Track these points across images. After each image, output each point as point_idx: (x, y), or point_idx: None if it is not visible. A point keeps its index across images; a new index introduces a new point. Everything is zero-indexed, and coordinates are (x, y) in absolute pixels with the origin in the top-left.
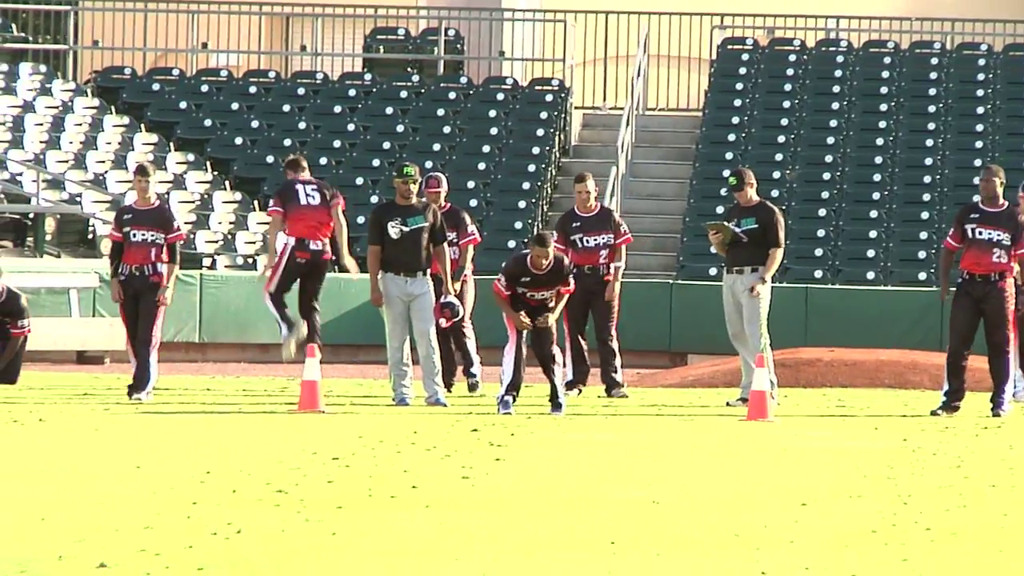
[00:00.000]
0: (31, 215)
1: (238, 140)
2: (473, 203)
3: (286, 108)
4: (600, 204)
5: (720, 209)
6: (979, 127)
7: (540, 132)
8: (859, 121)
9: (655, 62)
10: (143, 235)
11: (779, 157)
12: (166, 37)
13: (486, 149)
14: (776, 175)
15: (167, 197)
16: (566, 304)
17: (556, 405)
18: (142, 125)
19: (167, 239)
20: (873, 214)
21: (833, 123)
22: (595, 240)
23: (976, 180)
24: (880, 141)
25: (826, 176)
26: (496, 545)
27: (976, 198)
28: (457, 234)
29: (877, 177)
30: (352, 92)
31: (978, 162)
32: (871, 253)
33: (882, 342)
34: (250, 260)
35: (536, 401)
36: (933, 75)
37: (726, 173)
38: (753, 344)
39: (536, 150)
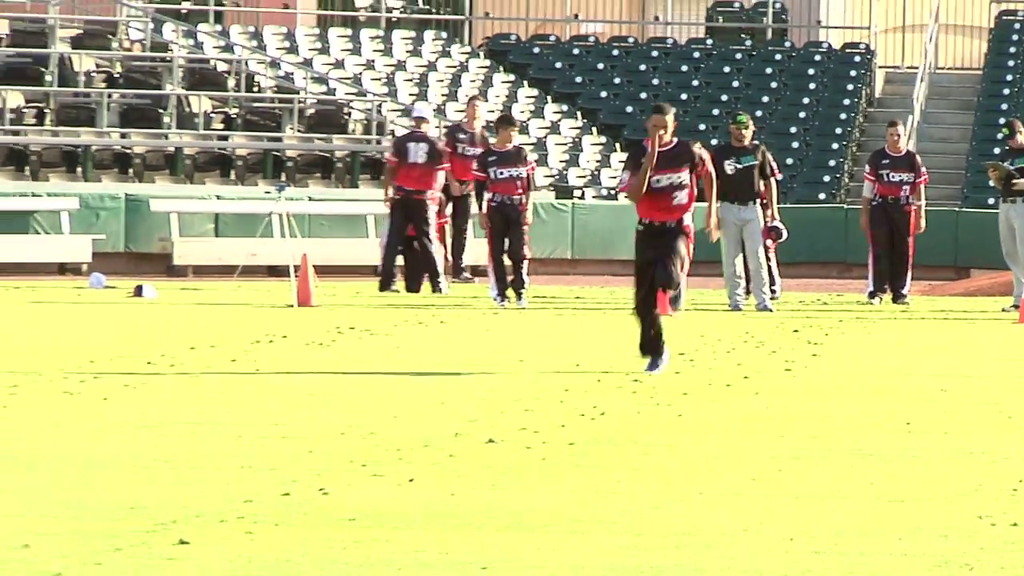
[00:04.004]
0: None
1: (603, 94)
2: (795, 145)
3: (642, 67)
4: (907, 149)
5: (997, 151)
6: None
7: (850, 87)
8: None
9: (943, 29)
10: (508, 172)
11: None
12: (545, 9)
13: (805, 101)
14: None
15: (541, 141)
16: (872, 225)
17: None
18: (525, 82)
19: (527, 172)
20: None
21: None
22: (899, 176)
23: None
24: None
25: None
26: (814, 425)
27: None
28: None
29: None
30: (696, 54)
31: None
32: None
33: None
34: (612, 192)
35: (846, 307)
36: None
37: (1001, 121)
38: None
39: (846, 102)
